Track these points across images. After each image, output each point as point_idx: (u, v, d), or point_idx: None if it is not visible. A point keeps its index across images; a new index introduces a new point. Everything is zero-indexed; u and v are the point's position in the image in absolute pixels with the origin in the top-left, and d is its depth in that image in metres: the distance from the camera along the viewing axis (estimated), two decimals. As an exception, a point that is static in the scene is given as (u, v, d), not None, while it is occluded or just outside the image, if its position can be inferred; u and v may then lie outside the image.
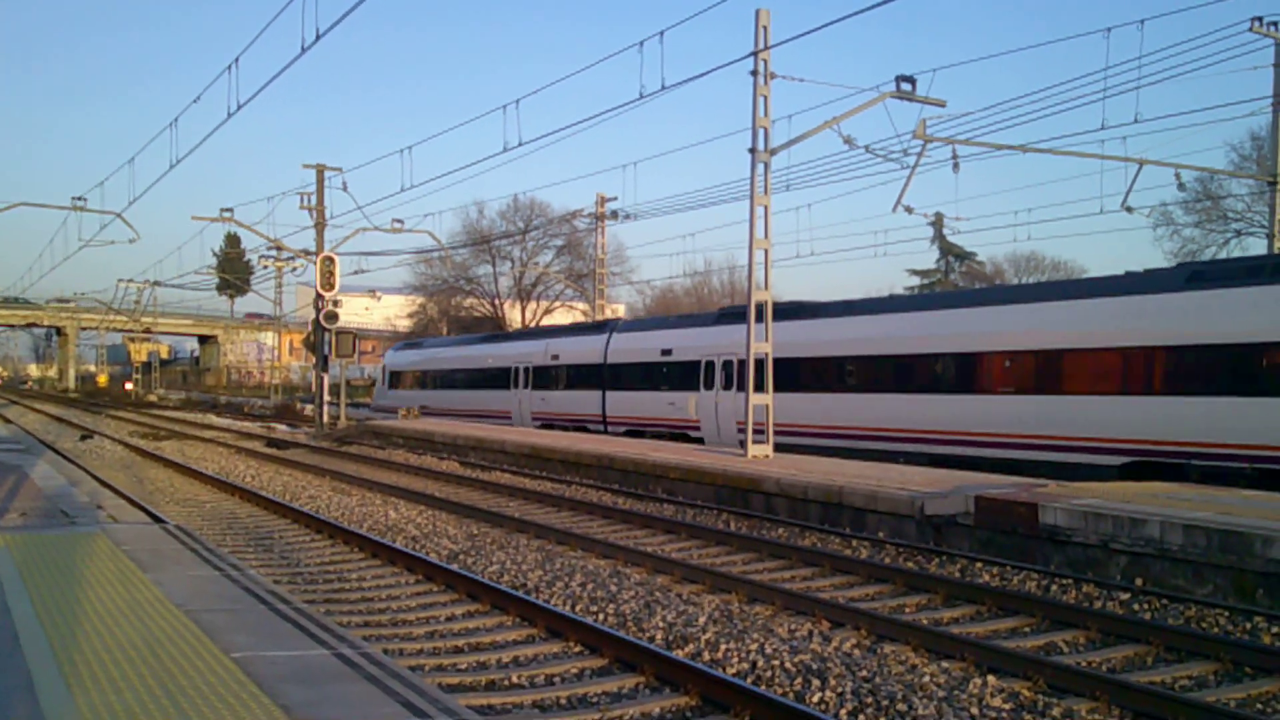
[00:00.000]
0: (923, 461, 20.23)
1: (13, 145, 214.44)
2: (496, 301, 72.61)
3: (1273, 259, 17.72)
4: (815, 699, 7.27)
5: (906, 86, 19.68)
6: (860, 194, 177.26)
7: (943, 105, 20.52)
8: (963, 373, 20.48)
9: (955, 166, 23.04)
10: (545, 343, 35.85)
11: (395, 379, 46.77)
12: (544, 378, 34.87)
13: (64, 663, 5.32)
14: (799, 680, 7.67)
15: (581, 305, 65.43)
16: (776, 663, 8.06)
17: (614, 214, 44.18)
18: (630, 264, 69.88)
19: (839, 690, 7.39)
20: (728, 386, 25.99)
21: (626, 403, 30.05)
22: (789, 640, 8.75)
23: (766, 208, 20.32)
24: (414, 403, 40.90)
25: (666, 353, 28.62)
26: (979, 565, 12.22)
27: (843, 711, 7.03)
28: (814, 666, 7.92)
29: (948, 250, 70.61)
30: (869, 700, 7.19)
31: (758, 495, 16.65)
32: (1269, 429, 15.53)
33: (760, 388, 20.57)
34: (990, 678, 7.77)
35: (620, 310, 73.97)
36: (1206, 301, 16.73)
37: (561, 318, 65.98)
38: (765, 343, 20.51)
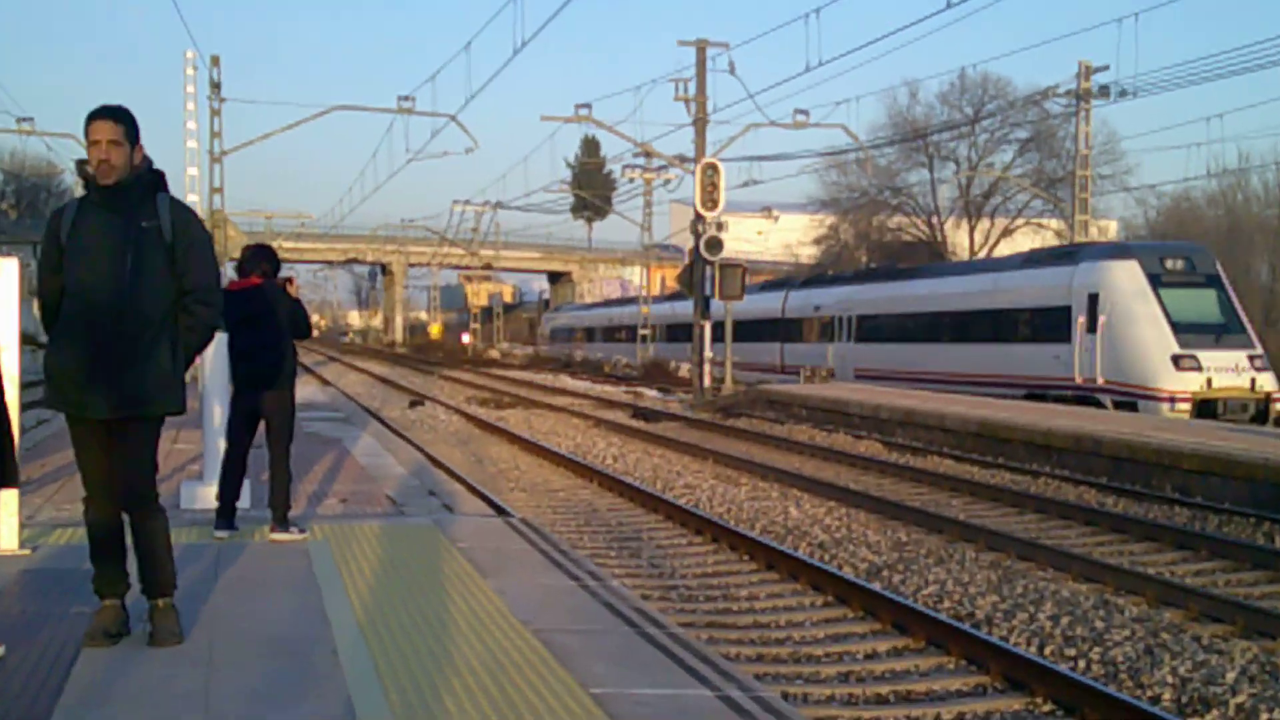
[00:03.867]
0: None
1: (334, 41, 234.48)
2: (934, 220, 71.81)
3: None
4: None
5: None
6: None
7: None
8: None
9: None
10: None
11: None
12: None
13: (390, 688, 5.84)
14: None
15: (1055, 223, 63.30)
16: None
17: (1103, 90, 42.44)
18: (1126, 162, 66.40)
19: None
20: None
21: None
22: (1367, 714, 8.15)
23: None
24: None
25: None
26: None
27: None
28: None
29: None
30: None
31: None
32: None
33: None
34: None
35: (1111, 229, 70.82)
36: None
37: (1024, 242, 63.94)
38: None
